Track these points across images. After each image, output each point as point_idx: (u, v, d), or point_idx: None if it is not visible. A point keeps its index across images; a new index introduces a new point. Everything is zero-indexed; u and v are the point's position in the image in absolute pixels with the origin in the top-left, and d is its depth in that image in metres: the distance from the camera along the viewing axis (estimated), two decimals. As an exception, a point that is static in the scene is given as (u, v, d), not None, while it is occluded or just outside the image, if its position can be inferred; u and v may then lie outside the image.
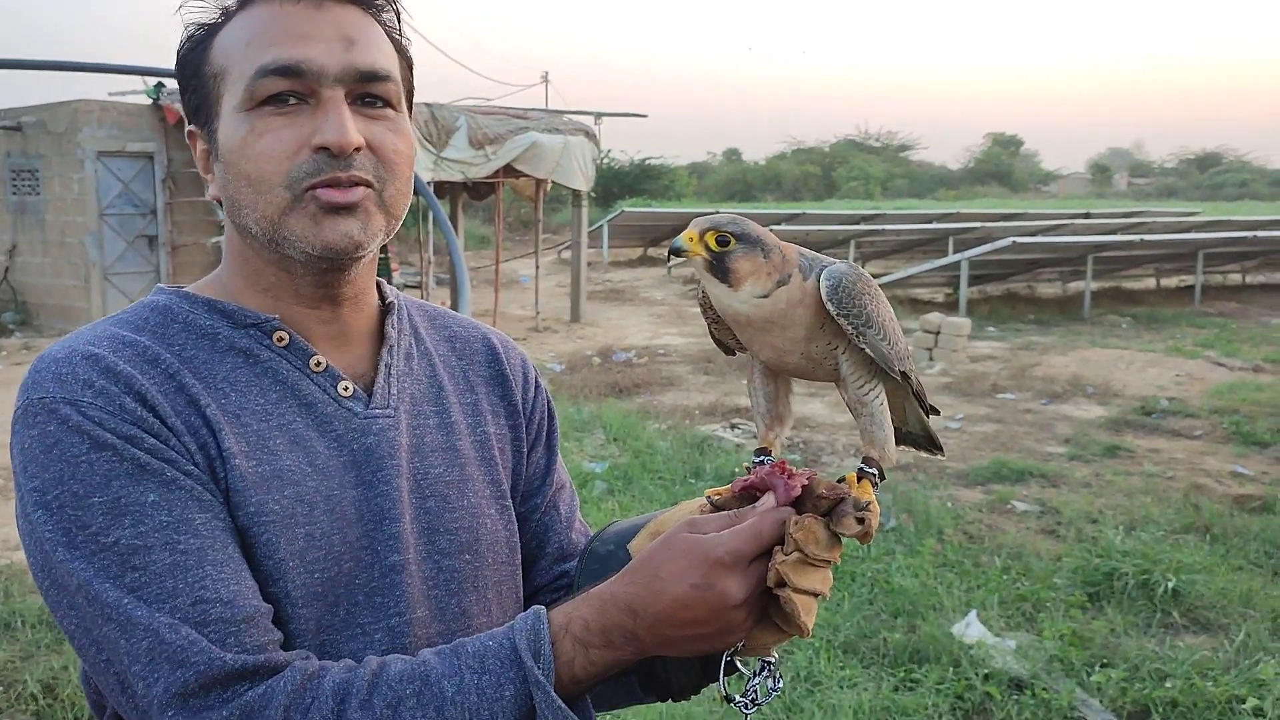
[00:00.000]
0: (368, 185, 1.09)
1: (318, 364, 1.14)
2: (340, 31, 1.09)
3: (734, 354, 1.19)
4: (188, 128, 1.15)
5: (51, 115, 13.82)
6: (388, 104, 1.12)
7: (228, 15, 1.11)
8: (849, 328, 1.06)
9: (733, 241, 1.05)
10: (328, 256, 1.10)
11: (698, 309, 1.13)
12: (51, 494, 0.98)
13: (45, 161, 14.00)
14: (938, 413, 1.26)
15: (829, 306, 1.05)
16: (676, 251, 1.06)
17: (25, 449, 1.00)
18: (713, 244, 1.05)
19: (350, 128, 1.06)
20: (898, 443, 1.21)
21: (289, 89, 1.06)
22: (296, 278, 1.14)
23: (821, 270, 1.07)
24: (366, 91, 1.10)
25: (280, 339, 1.13)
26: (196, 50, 1.11)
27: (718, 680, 1.12)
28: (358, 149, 1.07)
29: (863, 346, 1.07)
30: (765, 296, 1.05)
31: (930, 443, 1.27)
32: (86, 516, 0.97)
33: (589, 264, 17.39)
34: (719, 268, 1.06)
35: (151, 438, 1.01)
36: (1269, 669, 4.07)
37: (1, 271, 14.80)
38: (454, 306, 13.23)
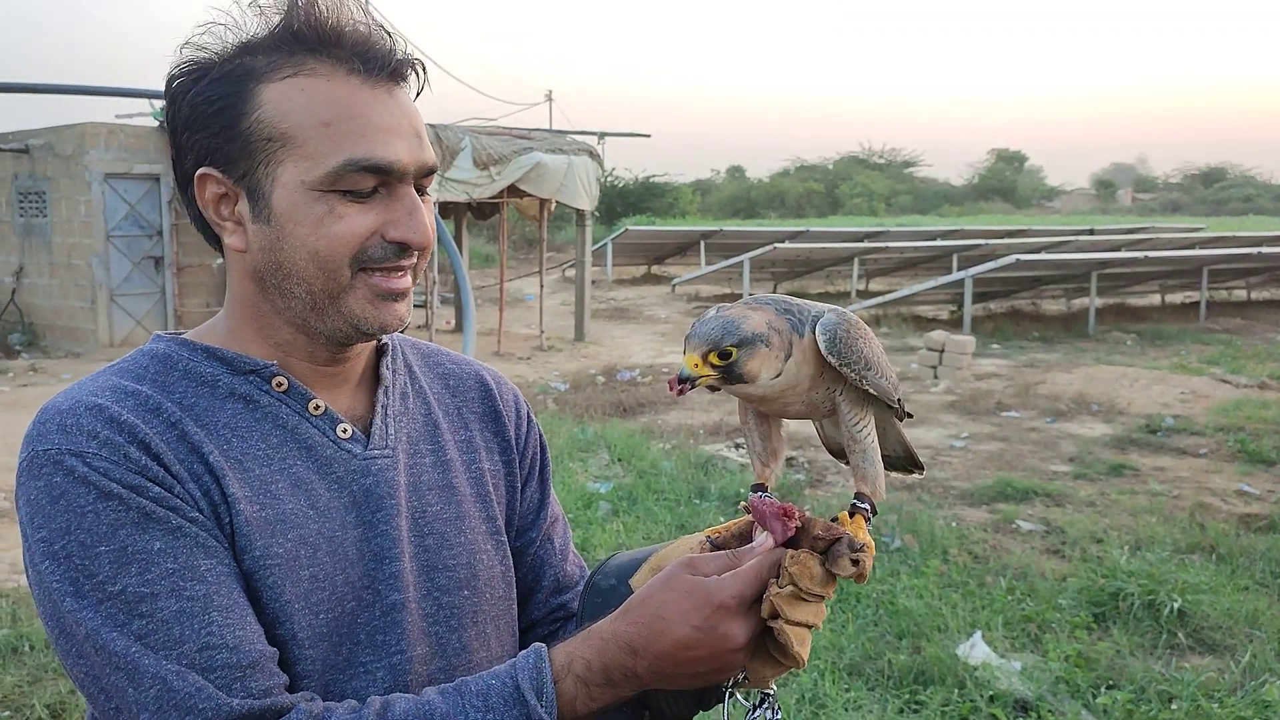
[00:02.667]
0: (413, 268, 1.14)
1: (316, 407, 1.16)
2: (411, 124, 1.12)
3: (718, 390, 1.21)
4: (200, 170, 1.10)
5: (59, 138, 13.92)
6: (424, 190, 1.15)
7: (262, 62, 1.08)
8: (852, 375, 1.09)
9: (734, 353, 1.05)
10: (377, 334, 1.14)
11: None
12: (59, 544, 1.00)
13: (53, 183, 14.10)
14: (910, 415, 1.29)
15: (831, 359, 1.08)
16: (686, 380, 1.06)
17: (32, 500, 1.02)
18: (717, 361, 1.06)
19: (429, 228, 1.12)
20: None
21: (376, 184, 1.09)
22: (315, 343, 1.16)
23: (814, 324, 1.09)
24: (419, 184, 1.14)
25: (279, 384, 1.15)
26: (233, 98, 1.08)
27: (710, 708, 1.14)
28: None
29: (866, 388, 1.11)
30: (778, 376, 1.08)
31: (911, 463, 1.31)
32: (93, 565, 0.99)
33: (593, 282, 17.43)
34: (731, 376, 1.06)
35: (156, 486, 1.03)
36: (1275, 690, 4.06)
37: (9, 293, 14.87)
38: (459, 325, 13.26)
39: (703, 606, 1.03)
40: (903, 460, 1.30)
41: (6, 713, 3.98)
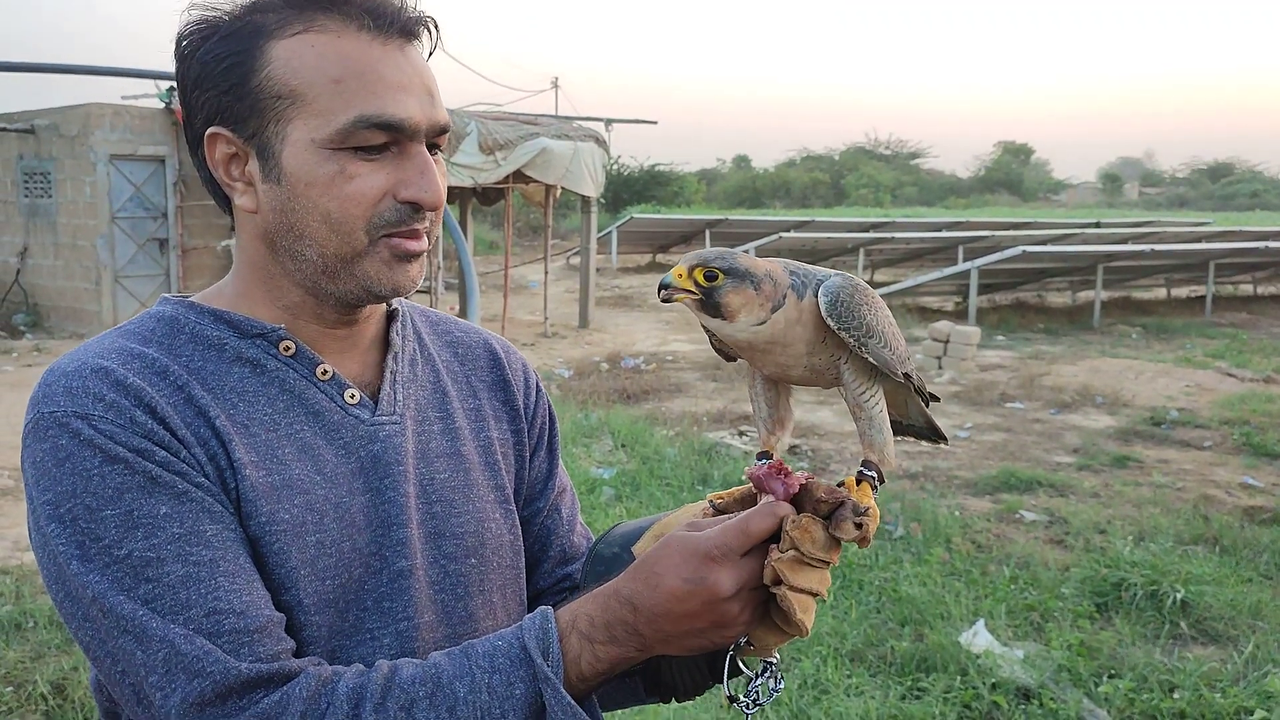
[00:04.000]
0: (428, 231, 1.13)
1: (324, 372, 1.15)
2: (423, 82, 1.10)
3: (735, 360, 1.20)
4: (210, 129, 1.09)
5: (64, 118, 13.91)
6: (439, 148, 1.14)
7: (271, 19, 1.07)
8: (851, 340, 1.07)
9: (721, 276, 1.05)
10: (388, 296, 1.13)
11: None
12: (65, 507, 0.99)
13: (58, 164, 14.09)
14: (937, 399, 1.28)
15: (830, 322, 1.06)
16: (666, 286, 1.07)
17: (37, 462, 1.01)
18: (701, 279, 1.06)
19: (440, 187, 1.10)
20: (900, 434, 1.23)
21: (386, 141, 1.07)
22: (324, 304, 1.14)
23: (818, 286, 1.07)
24: (433, 142, 1.12)
25: (287, 348, 1.14)
26: (242, 55, 1.06)
27: (722, 681, 1.13)
28: None
29: (866, 356, 1.08)
30: (762, 324, 1.07)
31: (933, 431, 1.29)
32: (99, 529, 0.98)
33: (598, 270, 17.41)
34: (709, 303, 1.06)
35: (162, 450, 1.02)
36: (1277, 681, 4.06)
37: (13, 274, 14.88)
38: (463, 311, 13.27)
39: (691, 558, 1.03)
40: (925, 430, 1.29)
41: (9, 689, 3.99)
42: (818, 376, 1.12)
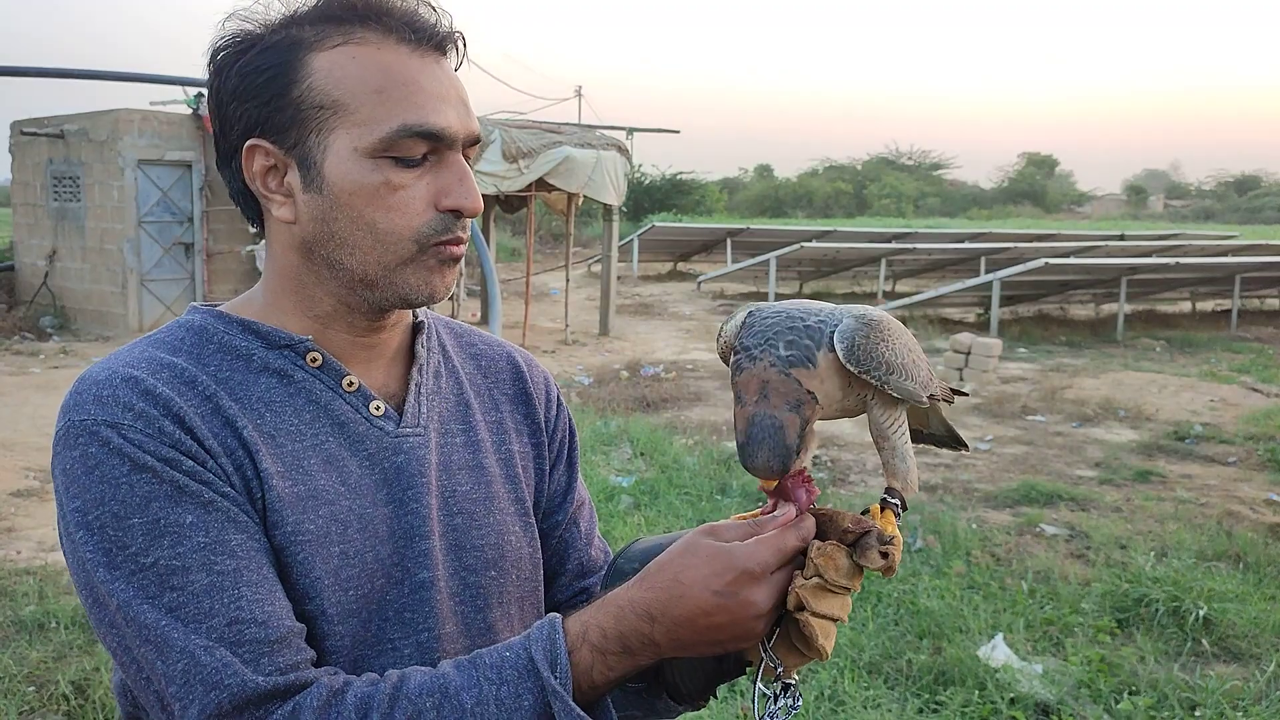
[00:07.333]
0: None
1: (350, 384, 1.16)
2: (458, 93, 1.13)
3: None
4: (248, 141, 1.10)
5: (93, 123, 14.06)
6: (469, 158, 1.16)
7: (310, 32, 1.09)
8: (874, 381, 1.07)
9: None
10: (423, 303, 1.15)
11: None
12: (93, 514, 1.01)
13: (86, 169, 14.24)
14: (965, 394, 1.28)
15: (850, 368, 1.06)
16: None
17: (67, 470, 1.03)
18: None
19: (478, 194, 1.13)
20: (921, 443, 1.24)
21: (425, 150, 1.09)
22: (357, 313, 1.16)
23: (831, 335, 1.07)
24: (466, 154, 1.15)
25: (314, 359, 1.15)
26: (282, 67, 1.08)
27: (724, 681, 1.16)
28: None
29: (891, 392, 1.09)
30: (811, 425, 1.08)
31: (953, 439, 1.30)
32: (126, 537, 1.00)
33: (619, 278, 17.41)
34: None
35: (189, 460, 1.03)
36: (1300, 701, 4.02)
37: (41, 276, 15.05)
38: (485, 317, 13.32)
39: (724, 571, 1.02)
40: (946, 439, 1.30)
41: (31, 688, 4.03)
42: (846, 412, 1.13)
